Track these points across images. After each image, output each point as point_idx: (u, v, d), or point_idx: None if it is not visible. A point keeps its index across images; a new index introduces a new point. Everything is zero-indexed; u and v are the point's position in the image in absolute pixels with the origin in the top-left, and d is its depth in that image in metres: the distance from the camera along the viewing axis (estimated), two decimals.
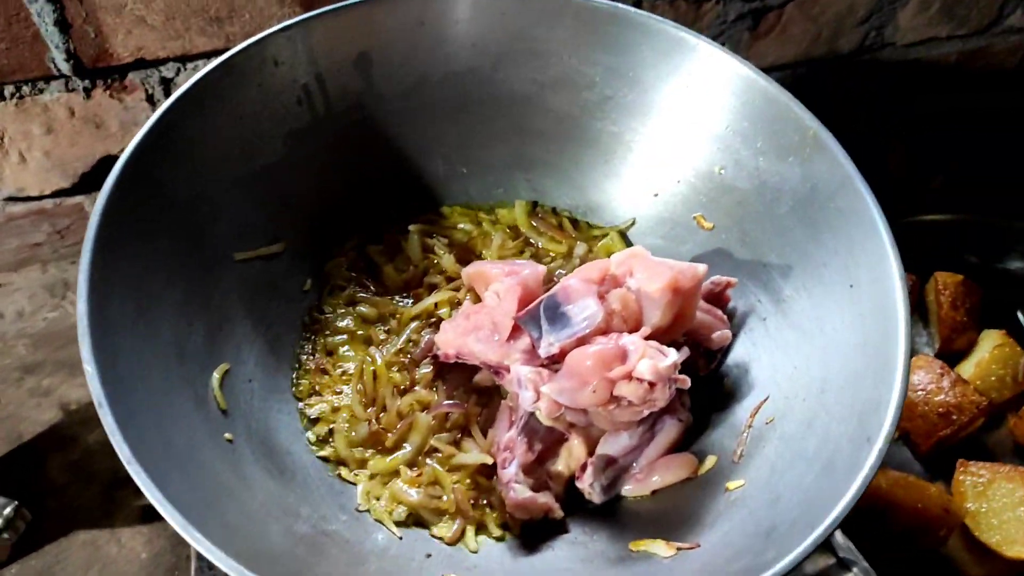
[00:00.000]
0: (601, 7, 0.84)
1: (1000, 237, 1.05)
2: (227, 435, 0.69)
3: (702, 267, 0.72)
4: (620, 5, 0.84)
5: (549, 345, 0.69)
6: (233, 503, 0.61)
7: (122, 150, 1.13)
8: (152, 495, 0.53)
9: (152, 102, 1.11)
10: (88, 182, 1.17)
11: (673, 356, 0.66)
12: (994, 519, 0.83)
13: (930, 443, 0.90)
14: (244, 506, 0.62)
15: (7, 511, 0.91)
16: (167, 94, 1.11)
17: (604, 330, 0.69)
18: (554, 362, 0.71)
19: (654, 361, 0.65)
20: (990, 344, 0.95)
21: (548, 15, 0.86)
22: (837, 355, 0.70)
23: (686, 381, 0.67)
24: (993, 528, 0.83)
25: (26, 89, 1.03)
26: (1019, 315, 1.01)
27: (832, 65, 1.38)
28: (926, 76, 1.45)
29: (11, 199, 1.16)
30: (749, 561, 0.57)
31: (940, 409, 0.89)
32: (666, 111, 0.86)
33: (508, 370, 0.72)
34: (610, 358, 0.65)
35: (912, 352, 0.99)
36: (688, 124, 0.86)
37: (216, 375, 0.72)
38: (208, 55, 1.09)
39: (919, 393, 0.90)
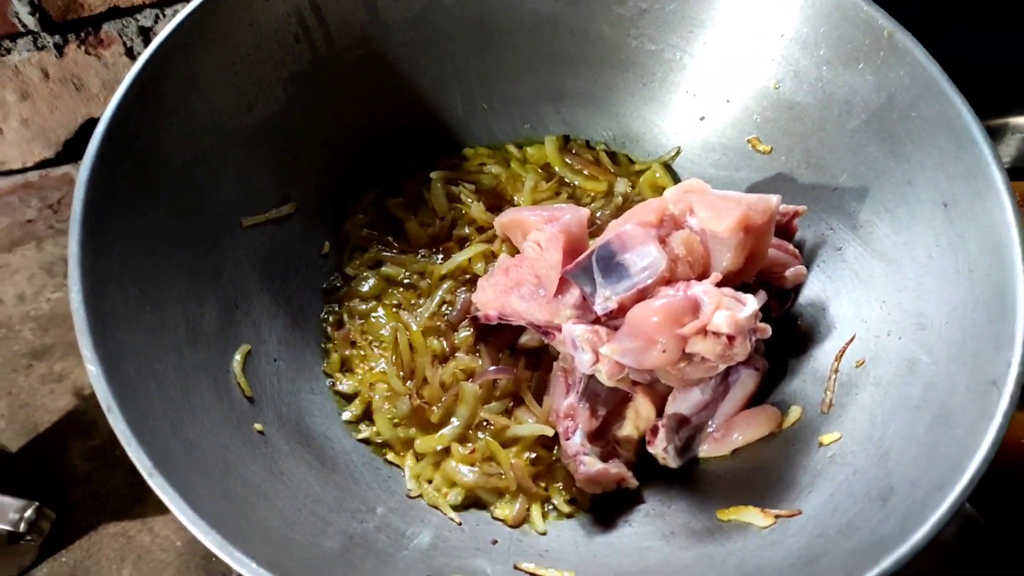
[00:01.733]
0: None
1: None
2: (257, 426, 0.61)
3: (775, 198, 0.63)
4: None
5: (606, 300, 0.61)
6: (272, 509, 0.54)
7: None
8: (181, 512, 0.46)
9: (132, 56, 1.02)
10: (73, 149, 1.09)
11: (752, 304, 0.58)
12: None
13: None
14: (284, 510, 0.55)
15: (28, 513, 0.85)
16: (147, 45, 1.01)
17: (668, 279, 0.60)
18: (612, 318, 0.62)
19: (732, 312, 0.56)
20: None
21: None
22: (936, 286, 0.62)
23: (767, 330, 0.59)
24: None
25: None
26: None
27: None
28: None
29: None
30: (867, 535, 0.50)
31: None
32: (710, 22, 0.76)
33: (559, 330, 0.64)
34: (680, 311, 0.57)
35: None
36: (737, 35, 0.76)
37: (237, 358, 0.65)
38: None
39: None
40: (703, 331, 0.57)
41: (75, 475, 0.95)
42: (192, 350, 0.61)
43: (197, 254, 0.66)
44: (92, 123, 1.06)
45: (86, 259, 0.54)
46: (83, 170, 0.58)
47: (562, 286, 0.65)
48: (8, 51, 0.95)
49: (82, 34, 0.98)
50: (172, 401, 0.55)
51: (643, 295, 0.60)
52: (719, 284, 0.60)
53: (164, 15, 1.00)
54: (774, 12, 0.72)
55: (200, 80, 0.68)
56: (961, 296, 0.59)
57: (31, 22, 0.93)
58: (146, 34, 1.01)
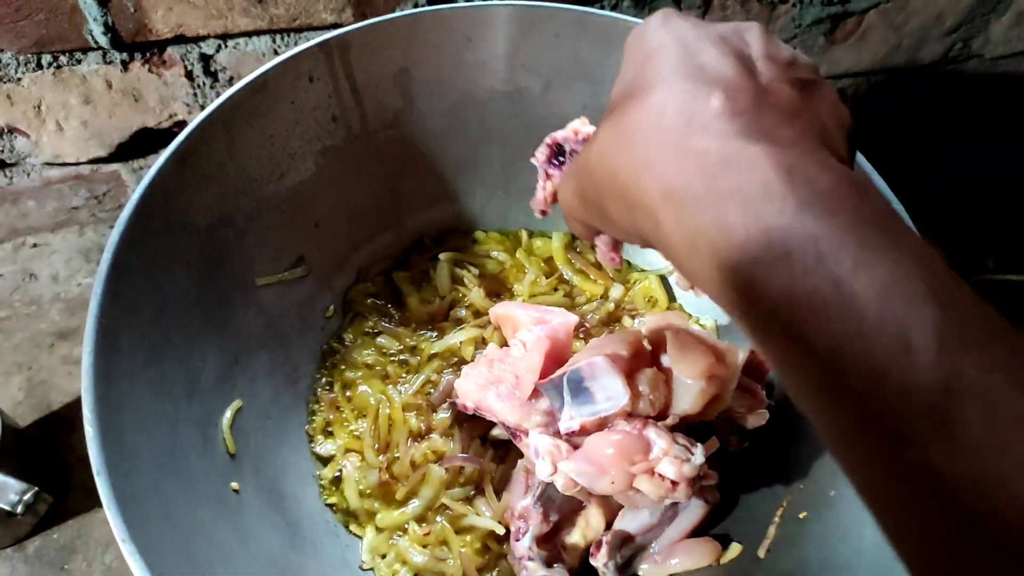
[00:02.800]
0: None
1: None
2: (233, 484, 0.67)
3: (741, 353, 0.67)
4: None
5: (570, 419, 0.65)
6: (231, 572, 0.59)
7: (159, 124, 1.12)
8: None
9: (191, 77, 1.08)
10: (125, 151, 1.15)
11: (699, 456, 0.62)
12: None
13: None
14: (242, 574, 0.60)
15: (27, 496, 0.92)
16: (206, 70, 1.07)
17: (629, 412, 0.65)
18: (574, 435, 0.67)
19: (679, 459, 0.61)
20: None
21: (604, 40, 0.79)
22: None
23: (712, 477, 0.63)
24: None
25: (63, 60, 1.01)
26: None
27: (911, 75, 1.29)
28: (1012, 90, 1.35)
29: (48, 164, 1.16)
30: None
31: None
32: None
33: (527, 434, 0.69)
34: (632, 450, 0.61)
35: None
36: None
37: (228, 414, 0.70)
38: (250, 34, 1.05)
39: None
40: (650, 472, 0.61)
41: (78, 457, 1.01)
42: (188, 404, 0.66)
43: (209, 310, 0.71)
44: (145, 131, 1.12)
45: (103, 318, 0.59)
46: (116, 229, 0.64)
47: (535, 393, 0.70)
48: (79, 62, 1.02)
49: (147, 54, 1.04)
50: (160, 455, 0.61)
51: (604, 423, 0.64)
52: (674, 426, 0.64)
53: (226, 45, 1.06)
54: None
55: (238, 149, 0.73)
56: None
57: (103, 40, 0.99)
58: (207, 61, 1.07)
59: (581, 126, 0.72)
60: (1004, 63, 1.32)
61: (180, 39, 1.03)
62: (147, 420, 0.61)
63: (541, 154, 0.64)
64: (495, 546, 0.73)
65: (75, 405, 1.08)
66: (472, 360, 0.80)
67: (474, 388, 0.74)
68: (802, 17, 1.16)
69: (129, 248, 0.63)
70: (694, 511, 0.72)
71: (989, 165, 1.30)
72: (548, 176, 0.62)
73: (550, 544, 0.71)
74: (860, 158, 0.67)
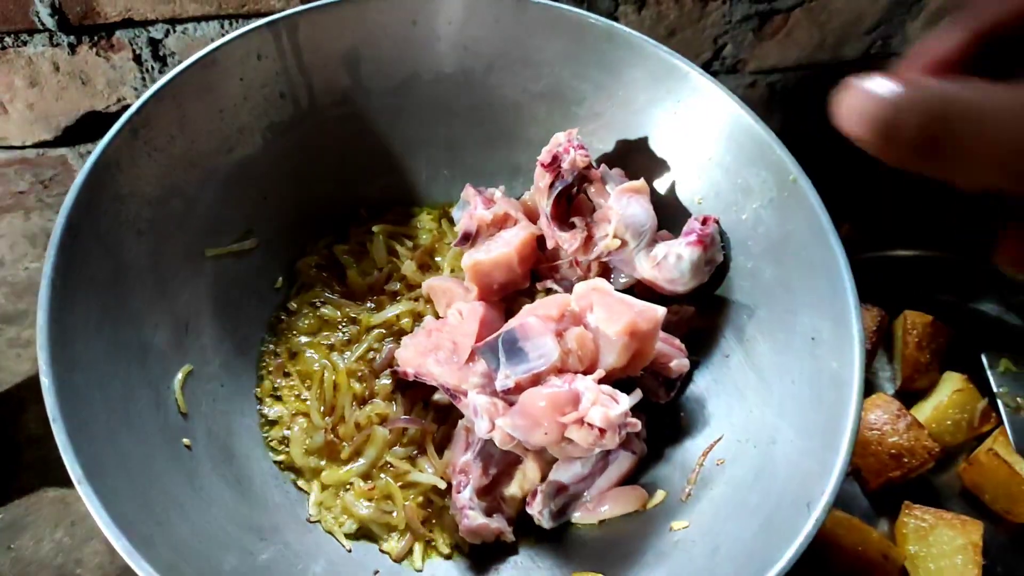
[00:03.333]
0: (597, 24, 0.82)
1: (975, 277, 1.05)
2: (185, 440, 0.70)
3: (661, 310, 0.72)
4: (616, 25, 0.82)
5: (505, 378, 0.70)
6: (185, 521, 0.62)
7: (107, 108, 1.14)
8: (101, 518, 0.54)
9: (139, 62, 1.09)
10: (72, 135, 1.16)
11: (624, 404, 0.67)
12: (932, 564, 0.85)
13: (879, 482, 0.92)
14: (196, 521, 0.63)
15: None
16: (155, 55, 1.09)
17: (560, 368, 0.69)
18: (509, 393, 0.71)
19: (605, 409, 0.66)
20: (950, 388, 0.96)
21: (543, 26, 0.84)
22: (792, 408, 0.71)
23: (636, 425, 0.68)
24: (930, 573, 0.85)
25: (8, 41, 1.02)
26: (982, 357, 1.02)
27: (835, 70, 1.36)
28: None
29: None
30: None
31: (892, 450, 0.90)
32: (652, 135, 0.86)
33: (465, 395, 0.73)
34: (562, 402, 0.66)
35: (872, 389, 1.02)
36: (673, 151, 0.85)
37: (179, 376, 0.73)
38: (199, 19, 1.07)
39: (873, 432, 0.91)
40: (580, 422, 0.66)
41: (29, 437, 1.02)
42: (140, 366, 0.69)
43: (161, 278, 0.73)
44: (92, 115, 1.13)
45: (57, 279, 0.62)
46: (69, 197, 0.66)
47: (472, 356, 0.74)
48: (24, 43, 1.03)
49: (95, 37, 1.05)
50: (114, 411, 0.63)
51: (537, 379, 0.69)
52: (602, 379, 0.69)
53: (175, 30, 1.07)
54: (704, 137, 0.81)
55: (188, 123, 0.76)
56: (807, 421, 0.69)
57: (50, 22, 1.00)
58: (155, 45, 1.08)
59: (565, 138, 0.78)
60: None
61: (129, 23, 1.04)
62: (101, 377, 0.64)
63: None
64: (438, 499, 0.78)
65: (24, 386, 1.09)
66: (412, 331, 0.84)
67: (414, 355, 0.78)
68: (732, 13, 1.22)
69: (82, 212, 0.66)
70: (623, 462, 0.77)
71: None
72: None
73: (490, 496, 0.76)
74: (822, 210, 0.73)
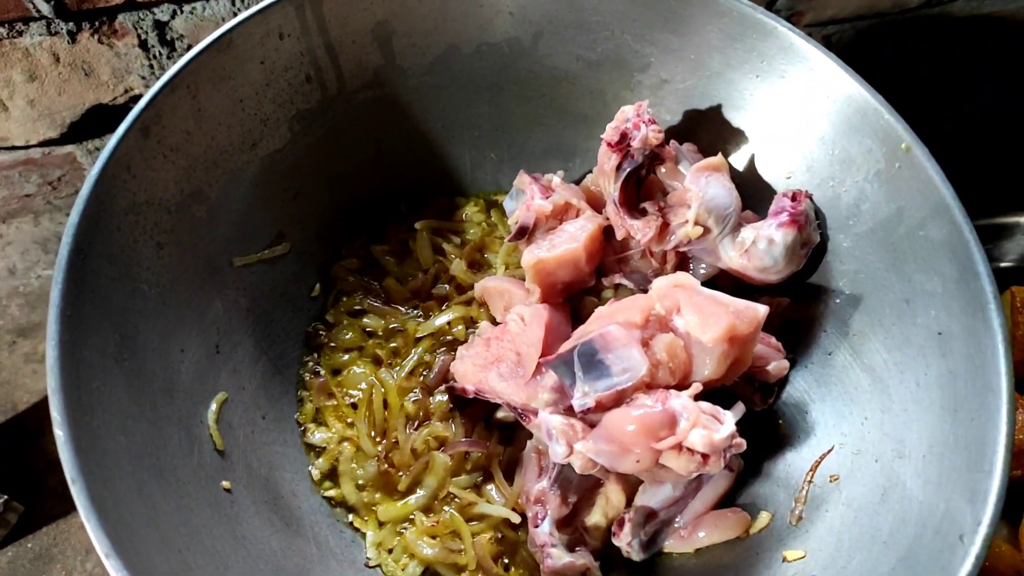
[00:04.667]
0: None
1: None
2: (225, 483, 0.61)
3: (763, 309, 0.62)
4: None
5: (583, 396, 0.60)
6: None
7: (114, 100, 1.05)
8: None
9: (146, 48, 1.00)
10: (78, 131, 1.08)
11: (729, 424, 0.57)
12: None
13: None
14: None
15: None
16: (162, 39, 1.00)
17: (648, 384, 0.60)
18: (588, 413, 0.62)
19: (708, 431, 0.56)
20: None
21: None
22: (920, 415, 0.61)
23: (742, 445, 0.59)
24: None
25: (2, 31, 0.93)
26: None
27: (897, 21, 1.24)
28: (999, 33, 1.31)
29: None
30: None
31: (1014, 448, 0.80)
32: (731, 102, 0.76)
33: (535, 414, 0.64)
34: (657, 425, 0.57)
35: None
36: (756, 119, 0.75)
37: (213, 407, 0.65)
38: None
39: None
40: (678, 447, 0.57)
41: (50, 460, 0.95)
42: (167, 400, 0.60)
43: (184, 296, 0.65)
44: (99, 108, 1.05)
45: (66, 309, 0.54)
46: (76, 208, 0.58)
47: (540, 369, 0.65)
48: (20, 33, 0.94)
49: (96, 23, 0.96)
50: (141, 458, 0.55)
51: (621, 397, 0.60)
52: (699, 395, 0.60)
53: (181, 11, 0.98)
54: (794, 103, 0.71)
55: (205, 116, 0.67)
56: (943, 434, 0.59)
57: (45, 8, 0.91)
58: (161, 28, 0.99)
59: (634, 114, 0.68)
60: (989, 3, 1.28)
61: (132, 5, 0.95)
62: (124, 420, 0.55)
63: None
64: (510, 533, 0.69)
65: (43, 405, 1.01)
66: (466, 340, 0.75)
67: (473, 370, 0.69)
68: None
69: (91, 229, 0.57)
70: (719, 481, 0.68)
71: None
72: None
73: (571, 527, 0.67)
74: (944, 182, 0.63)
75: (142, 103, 0.62)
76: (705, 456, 0.57)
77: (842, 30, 1.25)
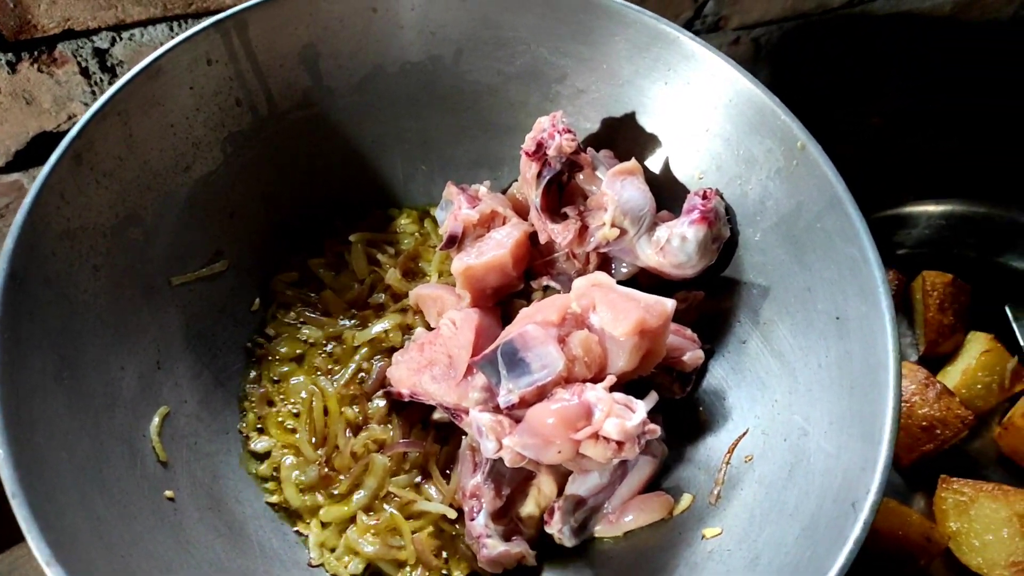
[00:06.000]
0: None
1: (996, 230, 0.99)
2: (168, 493, 0.64)
3: (670, 303, 0.66)
4: None
5: (508, 393, 0.64)
6: None
7: (58, 127, 1.06)
8: None
9: (87, 75, 1.02)
10: (24, 160, 1.09)
11: (641, 412, 0.61)
12: (976, 540, 0.81)
13: (911, 457, 0.87)
14: None
15: None
16: (102, 66, 1.02)
17: (566, 378, 0.64)
18: (514, 408, 0.66)
19: (621, 419, 0.60)
20: (977, 349, 0.91)
21: (514, 1, 0.77)
22: (821, 395, 0.65)
23: (656, 431, 0.63)
24: (975, 550, 0.80)
25: None
26: (1007, 310, 0.97)
27: (820, 21, 1.29)
28: (918, 29, 1.37)
29: None
30: None
31: (923, 423, 0.85)
32: (643, 108, 0.79)
33: (467, 413, 0.68)
34: (573, 416, 0.61)
35: None
36: (667, 124, 0.79)
37: (156, 420, 0.67)
38: (144, 24, 0.99)
39: (902, 405, 0.86)
40: (595, 436, 0.60)
41: None
42: (109, 416, 0.63)
43: (123, 315, 0.67)
44: (44, 136, 1.06)
45: (4, 333, 0.56)
46: (10, 237, 0.60)
47: (470, 371, 0.68)
48: None
49: (35, 52, 0.98)
50: (84, 471, 0.57)
51: (542, 392, 0.63)
52: (614, 386, 0.63)
53: (120, 38, 1.00)
54: (700, 106, 0.75)
55: (137, 142, 0.69)
56: (840, 410, 0.63)
57: None
58: (102, 55, 1.01)
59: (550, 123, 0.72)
60: (907, 1, 1.34)
61: (70, 34, 0.97)
62: (65, 436, 0.58)
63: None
64: (449, 528, 0.72)
65: None
66: (402, 346, 0.78)
67: (408, 374, 0.72)
68: None
69: (26, 255, 0.60)
70: (643, 467, 0.72)
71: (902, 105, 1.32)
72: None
73: (506, 518, 0.70)
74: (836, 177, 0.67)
75: (73, 132, 0.64)
76: (620, 443, 0.60)
77: (769, 32, 1.30)
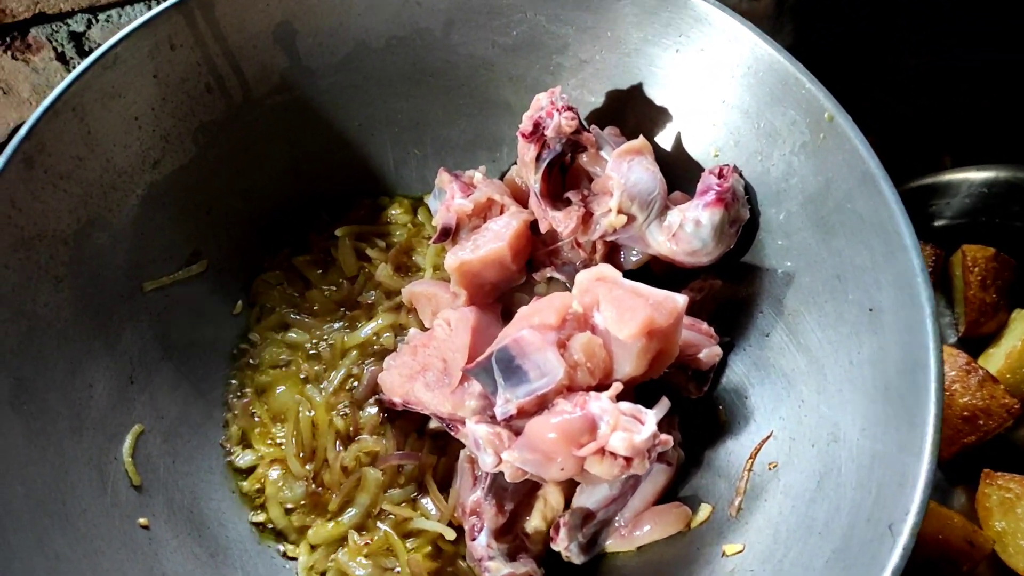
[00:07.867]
0: None
1: None
2: (142, 520, 0.59)
3: (682, 299, 0.59)
4: None
5: (505, 403, 0.58)
6: None
7: None
8: None
9: (64, 60, 0.97)
10: None
11: (651, 424, 0.55)
12: (1023, 540, 0.74)
13: (952, 451, 0.80)
14: None
15: None
16: (80, 51, 0.96)
17: (568, 386, 0.58)
18: (513, 419, 0.60)
19: (629, 433, 0.54)
20: (1023, 329, 0.83)
21: None
22: (853, 396, 0.59)
23: (669, 443, 0.57)
24: (1021, 551, 0.74)
25: None
26: None
27: None
28: None
29: None
30: None
31: (965, 412, 0.78)
32: (653, 79, 0.73)
33: (463, 423, 0.62)
34: (576, 431, 0.55)
35: None
36: (679, 95, 0.72)
37: (128, 441, 0.62)
38: (121, 4, 0.94)
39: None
40: (600, 451, 0.55)
41: None
42: (75, 440, 0.58)
43: (90, 328, 0.63)
44: None
45: None
46: None
47: (465, 377, 0.63)
48: None
49: (7, 39, 0.93)
50: (43, 505, 0.53)
51: (543, 402, 0.58)
52: (620, 394, 0.57)
53: (96, 20, 0.95)
54: (716, 76, 0.69)
55: (97, 139, 0.64)
56: (875, 414, 0.57)
57: None
58: (78, 39, 0.96)
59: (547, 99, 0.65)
60: None
61: (42, 17, 0.91)
62: (22, 468, 0.53)
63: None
64: (448, 547, 0.67)
65: None
66: (395, 348, 0.72)
67: (400, 381, 0.66)
68: None
69: None
70: (658, 476, 0.66)
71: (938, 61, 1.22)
72: None
73: (510, 535, 0.65)
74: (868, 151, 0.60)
75: (21, 133, 0.59)
76: (628, 459, 0.55)
77: None
